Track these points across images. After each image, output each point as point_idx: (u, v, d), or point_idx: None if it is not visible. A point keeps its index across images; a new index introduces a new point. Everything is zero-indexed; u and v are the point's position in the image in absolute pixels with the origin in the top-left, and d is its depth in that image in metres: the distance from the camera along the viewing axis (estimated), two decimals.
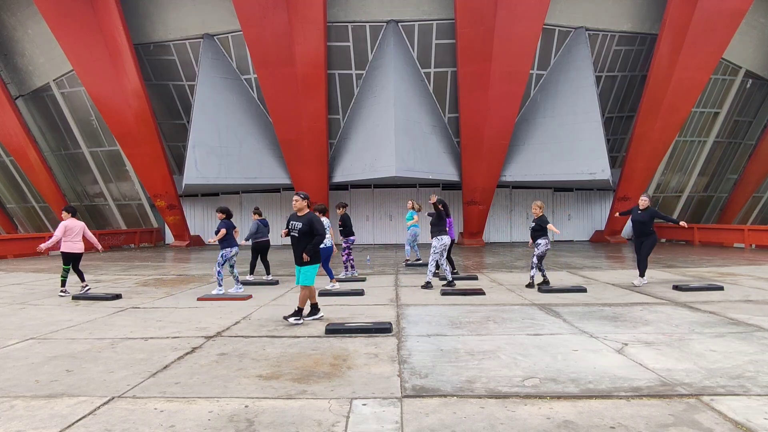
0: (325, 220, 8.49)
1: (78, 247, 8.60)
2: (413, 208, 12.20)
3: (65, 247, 8.49)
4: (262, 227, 10.05)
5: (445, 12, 17.02)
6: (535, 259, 8.71)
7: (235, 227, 8.66)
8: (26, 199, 23.92)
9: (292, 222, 6.23)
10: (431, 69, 18.37)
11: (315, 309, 6.36)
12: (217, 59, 18.57)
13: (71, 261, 8.57)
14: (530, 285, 8.69)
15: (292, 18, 15.90)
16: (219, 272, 8.42)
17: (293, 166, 18.44)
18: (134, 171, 20.35)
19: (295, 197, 6.27)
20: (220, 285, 8.45)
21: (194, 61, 18.76)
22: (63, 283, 8.48)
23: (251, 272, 10.09)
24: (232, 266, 8.66)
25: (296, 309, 6.15)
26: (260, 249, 10.11)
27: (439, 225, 8.78)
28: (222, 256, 8.44)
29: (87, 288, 8.51)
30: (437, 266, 9.14)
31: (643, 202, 8.82)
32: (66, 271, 8.55)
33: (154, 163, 18.95)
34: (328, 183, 18.95)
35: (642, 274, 8.83)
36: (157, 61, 19.03)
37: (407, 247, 12.86)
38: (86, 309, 7.33)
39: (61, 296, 8.30)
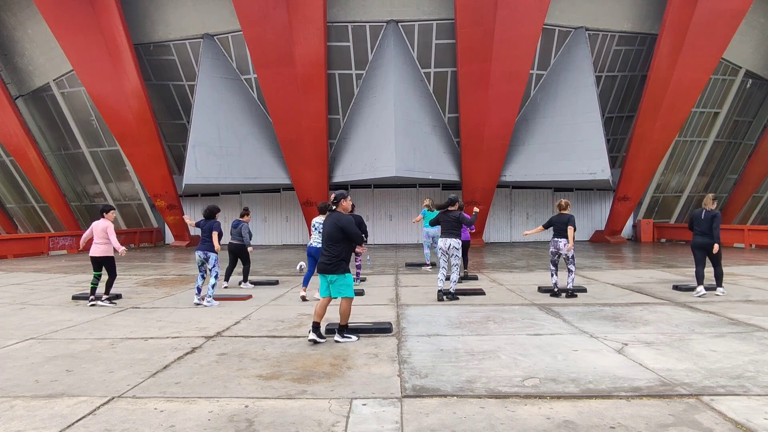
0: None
1: (97, 249, 7.67)
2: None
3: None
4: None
5: (445, 12, 17.02)
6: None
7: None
8: (26, 199, 23.92)
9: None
10: (431, 69, 18.36)
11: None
12: (217, 59, 18.56)
13: (95, 265, 7.71)
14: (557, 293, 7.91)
15: (292, 18, 15.90)
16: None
17: (293, 166, 18.44)
18: (134, 171, 20.35)
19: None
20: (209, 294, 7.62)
21: (194, 61, 18.75)
22: (92, 291, 7.58)
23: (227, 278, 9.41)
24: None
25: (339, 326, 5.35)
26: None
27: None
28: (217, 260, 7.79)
29: (107, 300, 7.61)
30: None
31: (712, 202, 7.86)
32: (95, 278, 7.66)
33: (154, 163, 18.95)
34: (328, 183, 18.94)
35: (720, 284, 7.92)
36: (157, 61, 19.03)
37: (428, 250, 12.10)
38: (86, 309, 7.33)
39: (92, 305, 7.46)
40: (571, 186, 21.01)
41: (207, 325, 6.09)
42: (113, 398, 3.70)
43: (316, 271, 5.56)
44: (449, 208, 7.79)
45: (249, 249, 9.32)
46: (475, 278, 10.11)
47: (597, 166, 17.84)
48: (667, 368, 4.20)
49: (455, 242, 7.66)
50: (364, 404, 3.53)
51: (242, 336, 5.57)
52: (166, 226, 21.83)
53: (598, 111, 17.92)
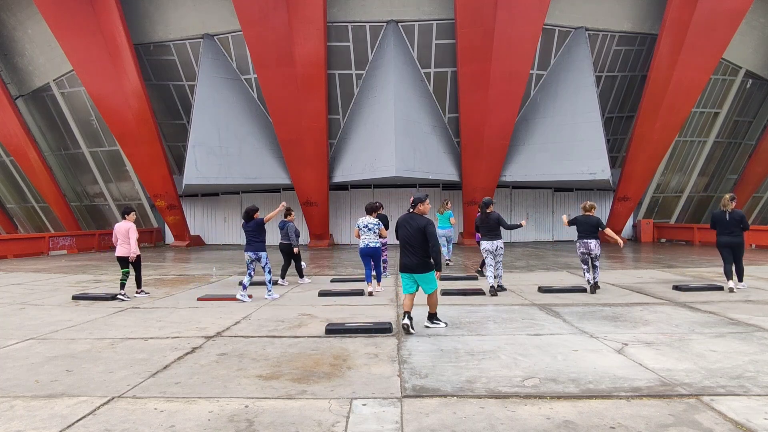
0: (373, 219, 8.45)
1: (122, 250, 8.29)
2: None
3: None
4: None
5: (445, 12, 17.02)
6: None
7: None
8: (26, 199, 23.92)
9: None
10: (431, 69, 18.36)
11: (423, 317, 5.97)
12: (217, 59, 18.56)
13: (122, 263, 8.35)
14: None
15: (292, 18, 15.90)
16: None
17: (293, 166, 18.44)
18: (134, 171, 20.34)
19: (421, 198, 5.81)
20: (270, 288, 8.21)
21: (194, 61, 18.75)
22: (121, 286, 8.21)
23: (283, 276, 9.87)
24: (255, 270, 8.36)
25: (429, 314, 5.89)
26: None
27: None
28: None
29: (142, 293, 8.42)
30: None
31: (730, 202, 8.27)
32: (125, 275, 8.30)
33: (154, 163, 18.95)
34: (328, 183, 18.94)
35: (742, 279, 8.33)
36: (157, 61, 19.03)
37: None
38: (86, 309, 7.33)
39: (121, 300, 8.00)
40: (571, 186, 21.00)
41: (207, 325, 6.09)
42: (113, 398, 3.70)
43: (399, 270, 5.89)
44: (487, 211, 8.24)
45: (295, 249, 9.63)
46: (475, 278, 10.12)
47: (597, 166, 17.84)
48: (667, 368, 4.20)
49: (500, 243, 8.21)
50: (364, 404, 3.53)
51: (242, 336, 5.57)
52: (166, 226, 21.82)
53: (598, 111, 17.92)
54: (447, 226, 12.20)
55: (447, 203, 12.48)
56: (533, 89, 18.89)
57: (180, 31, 18.26)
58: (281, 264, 9.96)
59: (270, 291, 8.14)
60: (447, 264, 12.36)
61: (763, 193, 23.39)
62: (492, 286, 8.10)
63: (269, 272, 8.14)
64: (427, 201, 5.79)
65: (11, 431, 3.16)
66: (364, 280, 9.80)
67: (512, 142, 18.32)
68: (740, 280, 8.29)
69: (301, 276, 9.96)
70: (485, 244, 8.24)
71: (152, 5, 17.80)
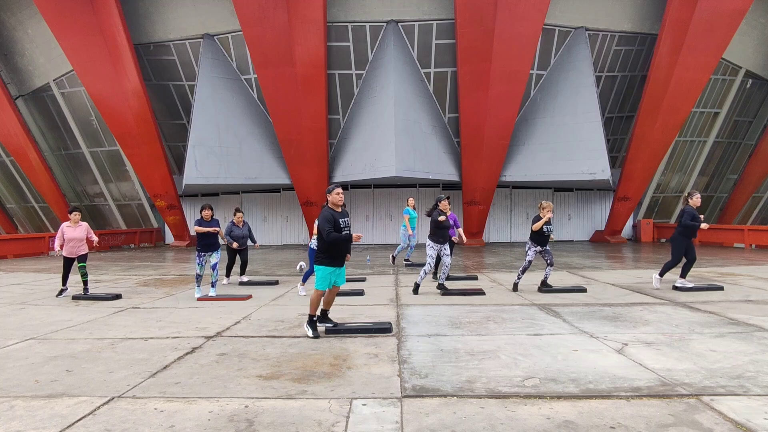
0: None
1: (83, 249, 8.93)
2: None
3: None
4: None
5: (445, 12, 17.02)
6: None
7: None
8: (26, 199, 23.92)
9: (342, 219, 5.62)
10: (431, 69, 18.36)
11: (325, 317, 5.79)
12: (217, 59, 18.57)
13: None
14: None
15: (292, 18, 15.90)
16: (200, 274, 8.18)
17: (293, 166, 18.44)
18: (134, 171, 20.35)
19: (341, 190, 5.72)
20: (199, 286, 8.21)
21: (194, 61, 18.75)
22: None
23: (228, 274, 9.89)
24: (213, 267, 8.34)
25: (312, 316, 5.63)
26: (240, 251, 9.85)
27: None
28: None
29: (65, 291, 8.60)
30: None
31: (698, 200, 8.40)
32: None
33: (154, 163, 18.95)
34: (328, 183, 18.94)
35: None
36: (157, 61, 19.03)
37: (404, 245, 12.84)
38: (86, 309, 7.33)
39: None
40: (571, 186, 21.00)
41: (207, 325, 6.09)
42: (113, 398, 3.70)
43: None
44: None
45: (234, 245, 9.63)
46: (475, 278, 10.11)
47: (597, 166, 17.84)
48: (667, 368, 4.20)
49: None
50: (364, 404, 3.53)
51: (242, 336, 5.57)
52: (166, 226, 21.83)
53: (598, 111, 17.92)
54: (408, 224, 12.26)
55: (409, 200, 12.56)
56: (533, 89, 18.89)
57: (180, 31, 18.26)
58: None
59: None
60: (407, 262, 12.71)
61: (763, 193, 23.39)
62: (441, 284, 8.31)
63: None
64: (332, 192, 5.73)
65: (11, 431, 3.16)
66: (362, 281, 9.85)
67: (512, 142, 18.32)
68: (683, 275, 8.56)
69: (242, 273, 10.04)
70: (438, 248, 8.16)
71: (152, 5, 17.80)
